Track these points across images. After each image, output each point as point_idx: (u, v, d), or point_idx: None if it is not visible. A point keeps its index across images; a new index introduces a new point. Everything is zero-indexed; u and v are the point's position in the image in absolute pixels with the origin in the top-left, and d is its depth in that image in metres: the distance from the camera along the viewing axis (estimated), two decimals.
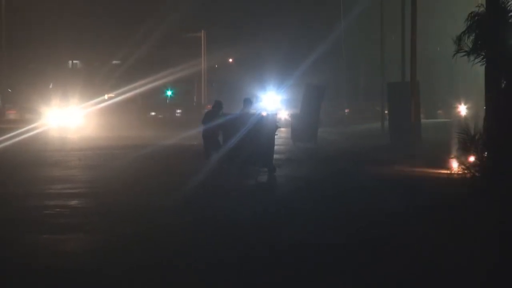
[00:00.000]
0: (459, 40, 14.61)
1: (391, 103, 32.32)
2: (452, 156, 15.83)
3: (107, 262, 9.10)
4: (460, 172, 14.02)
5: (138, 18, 66.50)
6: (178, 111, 73.02)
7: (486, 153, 13.44)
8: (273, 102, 55.71)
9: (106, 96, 64.83)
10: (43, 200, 14.71)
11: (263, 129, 19.07)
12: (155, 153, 27.37)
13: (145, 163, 23.51)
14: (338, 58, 62.69)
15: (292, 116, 36.65)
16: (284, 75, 62.25)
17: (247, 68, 71.54)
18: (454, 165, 15.06)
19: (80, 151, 29.67)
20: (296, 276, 8.32)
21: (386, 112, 38.86)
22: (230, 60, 77.70)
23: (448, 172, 16.45)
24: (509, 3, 14.04)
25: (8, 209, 13.59)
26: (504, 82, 13.90)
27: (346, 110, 64.14)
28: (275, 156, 20.44)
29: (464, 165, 13.86)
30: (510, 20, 14.05)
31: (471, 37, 14.41)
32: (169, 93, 70.76)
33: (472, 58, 14.46)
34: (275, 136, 19.77)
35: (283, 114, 51.73)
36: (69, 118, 48.43)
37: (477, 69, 15.58)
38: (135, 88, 61.72)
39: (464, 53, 14.55)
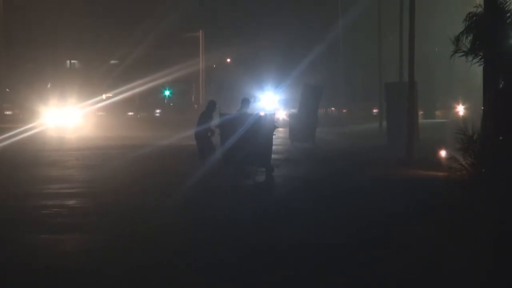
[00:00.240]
0: (457, 40, 14.61)
1: (389, 103, 32.30)
2: (450, 156, 15.82)
3: (106, 262, 9.10)
4: (458, 172, 14.02)
5: (136, 18, 66.54)
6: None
7: (484, 153, 13.44)
8: (271, 102, 55.74)
9: (104, 96, 64.86)
10: (41, 200, 14.71)
11: (261, 129, 19.07)
12: (153, 153, 27.36)
13: (143, 163, 23.50)
14: (337, 58, 62.73)
15: (290, 116, 36.66)
16: (282, 75, 62.29)
17: (245, 68, 71.57)
18: (452, 165, 15.05)
19: (78, 150, 29.66)
20: (296, 276, 8.32)
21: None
22: (228, 60, 77.71)
23: (446, 172, 16.44)
24: (507, 4, 14.04)
25: (6, 209, 13.59)
26: (502, 82, 13.90)
27: (344, 111, 64.20)
28: (273, 156, 20.44)
29: (462, 165, 13.86)
30: (508, 21, 14.05)
31: (469, 38, 14.41)
32: (167, 93, 70.76)
33: (470, 58, 14.46)
34: (273, 136, 19.78)
35: (281, 114, 51.76)
36: (67, 117, 48.46)
37: (475, 69, 15.58)
38: (133, 88, 61.72)
39: (462, 53, 14.55)
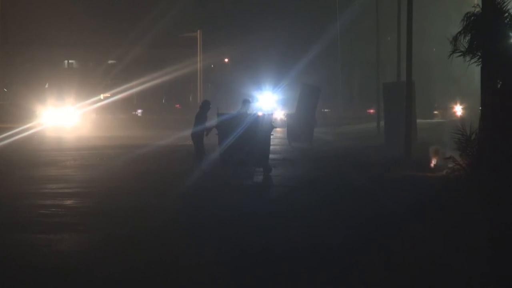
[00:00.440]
0: (455, 40, 14.60)
1: (386, 103, 32.30)
2: (448, 156, 15.81)
3: (102, 261, 9.08)
4: (456, 173, 14.02)
5: (134, 18, 66.51)
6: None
7: (482, 153, 13.43)
8: (269, 102, 55.71)
9: (101, 96, 64.80)
10: (38, 199, 14.69)
11: (259, 129, 19.06)
12: (150, 153, 27.37)
13: (140, 162, 23.48)
14: (334, 58, 62.74)
15: (288, 116, 36.65)
16: (280, 75, 62.26)
17: (243, 68, 71.56)
18: (450, 165, 15.04)
19: (75, 150, 29.64)
20: (293, 276, 8.30)
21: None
22: (226, 60, 77.70)
23: (444, 172, 16.44)
24: (505, 4, 14.04)
25: (3, 209, 13.57)
26: (500, 82, 13.90)
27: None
28: (271, 156, 20.43)
29: (460, 165, 13.86)
30: (506, 21, 14.05)
31: (467, 38, 14.40)
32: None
33: (468, 58, 14.46)
34: (271, 136, 19.76)
35: (279, 114, 51.73)
36: (65, 117, 48.42)
37: (473, 69, 15.58)
38: (131, 88, 61.69)
39: (460, 53, 14.54)
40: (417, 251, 9.42)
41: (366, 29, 55.75)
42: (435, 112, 66.28)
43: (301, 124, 32.88)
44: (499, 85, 13.91)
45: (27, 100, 47.32)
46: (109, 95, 64.64)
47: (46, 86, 68.60)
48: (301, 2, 73.58)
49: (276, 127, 21.97)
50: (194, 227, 11.55)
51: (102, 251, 9.73)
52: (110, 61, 72.41)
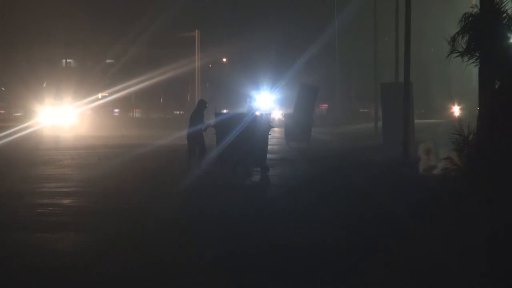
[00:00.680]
0: (453, 41, 14.60)
1: (384, 103, 32.33)
2: (446, 156, 15.81)
3: (99, 260, 9.08)
4: (453, 173, 14.02)
5: (132, 17, 66.44)
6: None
7: (479, 153, 13.44)
8: (267, 101, 55.73)
9: (99, 95, 64.79)
10: (36, 198, 14.69)
11: (257, 129, 19.06)
12: (148, 152, 27.37)
13: (137, 162, 23.48)
14: (333, 58, 62.74)
15: (286, 116, 36.66)
16: (277, 75, 62.25)
17: (240, 67, 71.54)
18: (448, 165, 15.04)
19: (73, 150, 29.64)
20: (293, 276, 8.31)
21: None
22: (224, 59, 77.66)
23: (442, 172, 16.44)
24: (503, 4, 14.04)
25: (1, 208, 13.57)
26: (498, 83, 13.90)
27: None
28: (268, 155, 20.43)
29: (458, 165, 13.86)
30: (504, 21, 14.06)
31: (465, 38, 14.41)
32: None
33: (466, 59, 14.46)
34: (269, 136, 19.76)
35: (277, 114, 51.76)
36: (63, 116, 48.44)
37: (471, 70, 15.59)
38: (128, 87, 61.66)
39: (458, 54, 14.55)
40: (417, 251, 9.42)
41: (365, 29, 55.71)
42: (433, 112, 66.21)
43: (299, 124, 32.89)
44: (496, 86, 13.92)
45: (25, 99, 47.28)
46: (107, 94, 64.62)
47: (44, 85, 68.54)
48: (299, 2, 73.58)
49: (274, 127, 21.98)
50: (192, 227, 11.55)
51: (100, 250, 9.72)
52: (108, 60, 72.36)
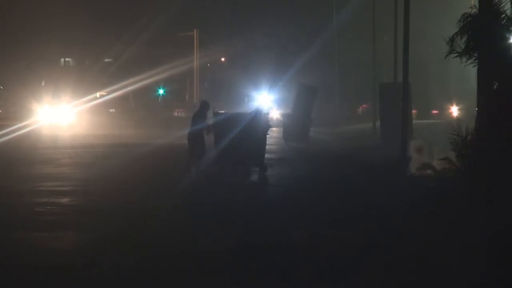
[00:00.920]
0: (451, 41, 14.60)
1: (383, 103, 32.34)
2: (445, 156, 15.80)
3: (98, 259, 9.08)
4: (452, 174, 14.02)
5: (131, 16, 66.41)
6: (112, 110, 72.91)
7: (477, 154, 13.44)
8: (265, 101, 55.75)
9: (98, 94, 64.77)
10: (34, 197, 14.68)
11: (255, 129, 19.05)
12: (146, 151, 27.34)
13: (135, 161, 23.47)
14: (331, 58, 62.76)
15: (284, 115, 36.64)
16: (276, 75, 62.27)
17: (239, 67, 71.54)
18: (446, 165, 15.04)
19: (71, 149, 29.62)
20: (293, 275, 8.31)
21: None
22: (222, 59, 77.65)
23: (440, 172, 16.44)
24: (502, 5, 14.05)
25: None
26: (497, 83, 13.91)
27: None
28: (267, 155, 20.42)
29: (456, 165, 13.87)
30: (503, 22, 14.07)
31: (464, 38, 14.41)
32: (161, 91, 70.68)
33: (464, 59, 14.46)
34: (267, 136, 19.76)
35: (275, 114, 51.74)
36: (61, 115, 48.42)
37: (469, 70, 15.59)
38: (126, 86, 61.63)
39: (457, 54, 14.55)
40: (417, 251, 9.43)
41: (363, 29, 55.72)
42: (432, 112, 66.22)
43: (297, 124, 32.89)
44: (495, 86, 13.92)
45: (24, 98, 47.28)
46: (105, 93, 64.59)
47: (42, 84, 68.49)
48: (298, 2, 73.60)
49: (272, 127, 21.98)
50: (192, 227, 11.55)
51: (99, 249, 9.73)
52: (106, 59, 72.31)
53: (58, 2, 65.02)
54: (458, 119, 44.23)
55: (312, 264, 8.78)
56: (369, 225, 11.42)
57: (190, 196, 15.25)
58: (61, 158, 24.70)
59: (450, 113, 57.46)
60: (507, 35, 14.15)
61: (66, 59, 76.54)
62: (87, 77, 68.90)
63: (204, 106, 19.83)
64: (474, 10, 14.43)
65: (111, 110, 70.10)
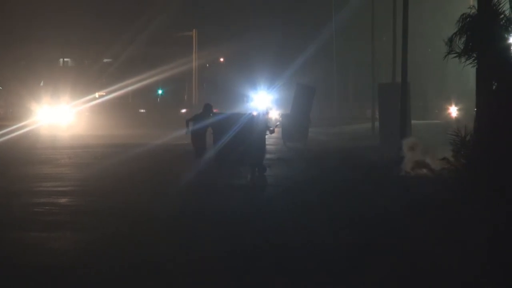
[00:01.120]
0: (450, 41, 14.64)
1: (381, 104, 32.33)
2: (443, 157, 15.83)
3: (96, 259, 9.07)
4: (450, 174, 14.05)
5: (129, 16, 66.34)
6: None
7: (476, 154, 13.46)
8: (264, 101, 55.69)
9: (97, 95, 64.73)
10: (33, 197, 14.67)
11: (254, 129, 19.03)
12: (145, 151, 27.34)
13: (134, 161, 23.46)
14: (330, 58, 62.73)
15: (283, 116, 36.61)
16: (275, 75, 62.23)
17: (238, 67, 71.48)
18: (445, 166, 15.06)
19: (70, 149, 29.61)
20: (292, 276, 8.30)
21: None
22: (221, 59, 77.59)
23: (439, 172, 16.46)
24: (501, 5, 14.08)
25: None
26: (495, 83, 13.93)
27: None
28: (265, 155, 20.39)
29: (455, 166, 13.89)
30: (501, 22, 14.09)
31: (463, 39, 14.44)
32: (159, 91, 70.71)
33: (463, 59, 14.49)
34: (266, 136, 19.73)
35: (274, 114, 51.70)
36: (60, 116, 48.40)
37: (468, 70, 15.61)
38: (125, 86, 61.60)
39: (456, 55, 14.57)
40: (416, 251, 9.42)
41: (362, 29, 55.69)
42: (431, 112, 66.08)
43: (296, 124, 32.86)
44: (494, 87, 13.94)
45: (23, 98, 47.21)
46: (104, 93, 64.54)
47: (41, 84, 68.42)
48: (297, 2, 73.56)
49: (270, 127, 21.96)
50: (191, 227, 11.53)
51: (97, 249, 9.72)
52: (105, 60, 72.26)
53: (57, 2, 65.00)
54: (457, 120, 44.22)
55: (312, 264, 8.77)
56: (369, 225, 11.40)
57: (189, 196, 15.23)
58: (60, 158, 24.69)
59: (449, 114, 57.37)
60: (506, 36, 14.18)
61: (65, 59, 76.44)
62: (86, 77, 68.85)
63: (206, 109, 19.81)
64: (473, 11, 14.45)
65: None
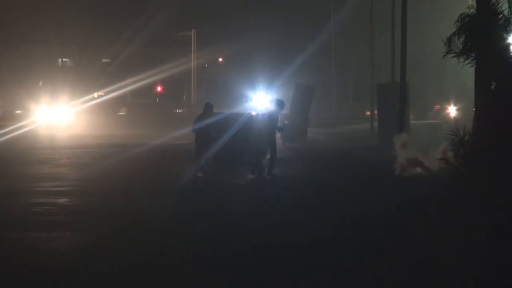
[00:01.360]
0: (449, 41, 14.64)
1: (380, 104, 32.35)
2: (442, 156, 15.82)
3: (96, 259, 9.07)
4: (449, 173, 14.05)
5: (128, 16, 66.34)
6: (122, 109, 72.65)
7: (475, 154, 13.47)
8: (263, 101, 55.67)
9: (95, 95, 64.71)
10: (32, 197, 14.68)
11: (254, 129, 19.04)
12: (144, 151, 27.34)
13: (133, 161, 23.46)
14: (329, 58, 62.74)
15: (283, 116, 36.58)
16: (274, 75, 62.20)
17: (237, 67, 71.45)
18: (444, 165, 15.05)
19: (69, 149, 29.61)
20: (292, 275, 8.31)
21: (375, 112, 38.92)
22: (220, 59, 77.57)
23: (438, 172, 16.46)
24: (500, 5, 14.08)
25: None
26: (494, 83, 13.94)
27: None
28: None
29: (454, 165, 13.89)
30: (500, 22, 14.10)
31: (461, 39, 14.44)
32: (159, 89, 70.62)
33: (462, 59, 14.49)
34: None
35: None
36: (59, 116, 48.39)
37: (467, 70, 15.61)
38: (124, 86, 61.59)
39: (454, 54, 14.57)
40: (416, 251, 9.42)
41: (361, 29, 55.72)
42: (429, 112, 66.09)
43: (294, 124, 32.85)
44: (493, 86, 13.95)
45: (21, 98, 47.16)
46: (103, 93, 64.53)
47: (40, 84, 68.41)
48: (296, 2, 73.54)
49: (286, 125, 21.87)
50: (188, 226, 11.54)
51: (97, 249, 9.72)
52: (104, 60, 72.24)
53: (57, 2, 64.99)
54: (455, 120, 44.24)
55: (312, 264, 8.77)
56: (368, 225, 11.41)
57: (188, 196, 15.24)
58: (58, 159, 24.70)
59: (448, 113, 57.38)
60: (505, 35, 14.19)
61: (64, 59, 76.43)
62: (85, 77, 68.82)
63: (208, 109, 19.82)
64: (472, 11, 14.46)
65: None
